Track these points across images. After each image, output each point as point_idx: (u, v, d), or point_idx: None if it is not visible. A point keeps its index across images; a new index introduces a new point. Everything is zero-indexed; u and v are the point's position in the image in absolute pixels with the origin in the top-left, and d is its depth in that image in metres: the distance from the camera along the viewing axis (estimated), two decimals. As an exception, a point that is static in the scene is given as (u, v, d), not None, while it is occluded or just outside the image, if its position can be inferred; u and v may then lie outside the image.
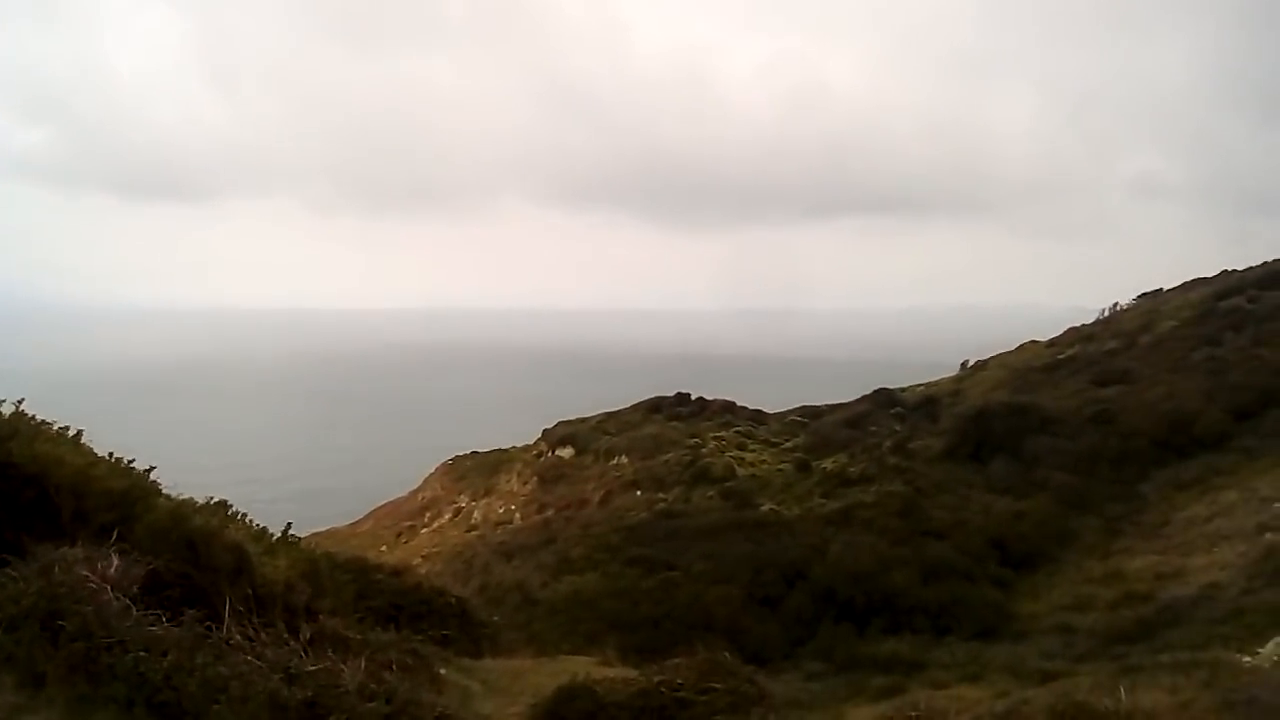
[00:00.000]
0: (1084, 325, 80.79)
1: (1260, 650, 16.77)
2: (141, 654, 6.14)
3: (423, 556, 52.16)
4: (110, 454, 9.23)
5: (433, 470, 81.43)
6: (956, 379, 77.22)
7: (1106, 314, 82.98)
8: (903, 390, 72.16)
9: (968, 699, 15.50)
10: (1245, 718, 8.24)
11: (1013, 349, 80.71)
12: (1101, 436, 48.01)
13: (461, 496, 70.92)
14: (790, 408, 73.53)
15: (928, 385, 76.17)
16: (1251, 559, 27.85)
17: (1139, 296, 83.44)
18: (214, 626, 6.96)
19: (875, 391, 69.14)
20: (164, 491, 9.11)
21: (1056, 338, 79.00)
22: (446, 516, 68.12)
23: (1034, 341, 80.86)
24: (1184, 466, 43.62)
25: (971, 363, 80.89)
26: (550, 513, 56.92)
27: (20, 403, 8.98)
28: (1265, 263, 74.87)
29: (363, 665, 6.79)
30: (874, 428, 60.52)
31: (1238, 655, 16.88)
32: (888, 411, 64.04)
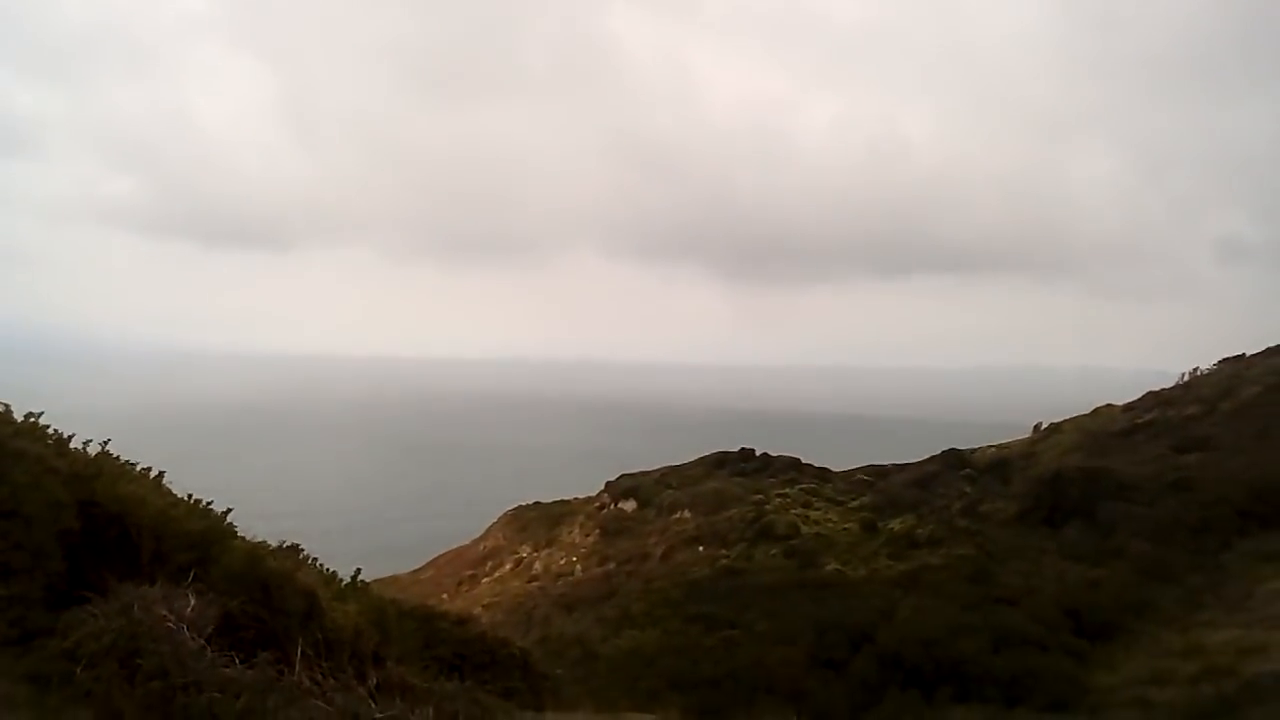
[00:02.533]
0: (1163, 390, 78.60)
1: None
2: (216, 695, 6.22)
3: (483, 606, 52.20)
4: (189, 495, 9.45)
5: (496, 519, 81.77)
6: (1029, 441, 75.56)
7: (1186, 378, 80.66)
8: (973, 451, 70.80)
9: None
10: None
11: (1088, 412, 78.81)
12: (1181, 504, 46.45)
13: (523, 547, 70.98)
14: (857, 466, 72.56)
15: (999, 447, 74.64)
16: (1343, 638, 26.60)
17: (1220, 361, 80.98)
18: (285, 670, 7.03)
19: (945, 452, 67.94)
20: (239, 534, 9.29)
21: (1134, 402, 76.97)
22: (508, 566, 68.19)
23: (1110, 405, 78.90)
24: (1268, 537, 41.92)
25: (1045, 425, 79.13)
26: (611, 566, 56.66)
27: (105, 444, 9.26)
28: (1356, 329, 72.29)
29: (430, 714, 6.80)
30: (943, 489, 59.40)
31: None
32: (957, 473, 62.83)
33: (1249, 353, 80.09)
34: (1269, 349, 77.94)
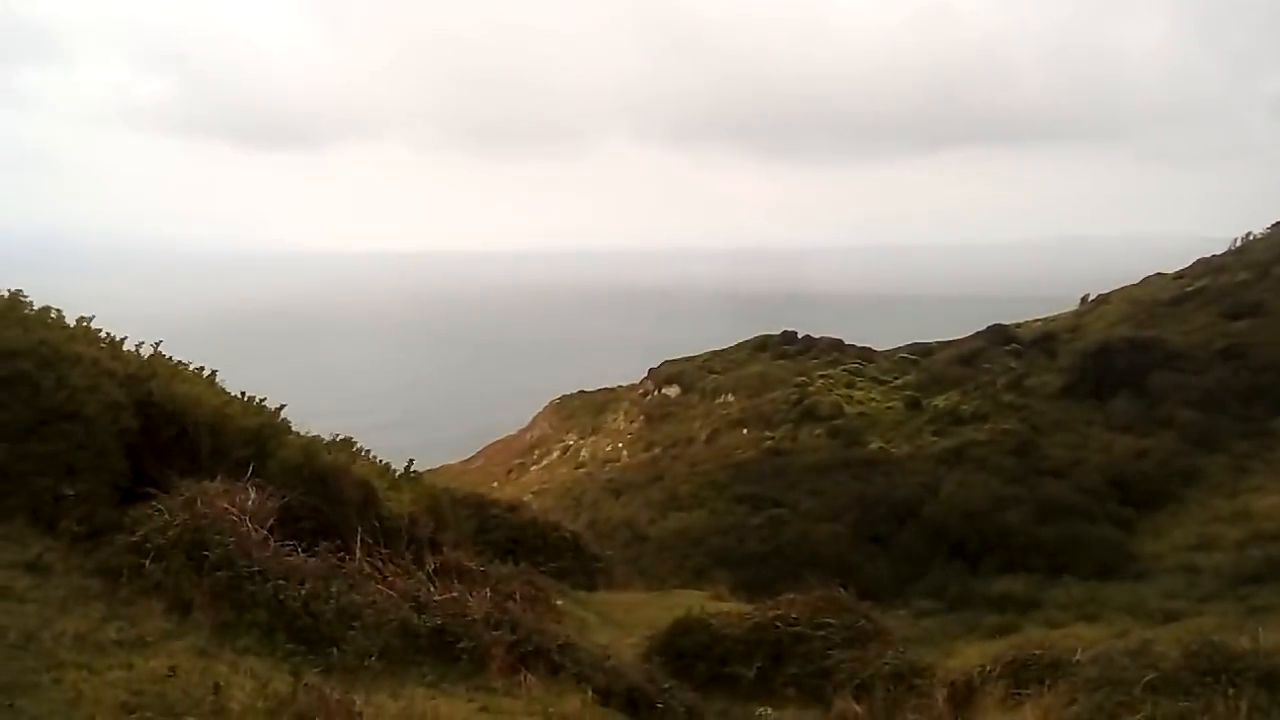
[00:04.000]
0: (1214, 256, 76.60)
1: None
2: (280, 582, 6.44)
3: (533, 493, 53.31)
4: (243, 393, 9.61)
5: (541, 409, 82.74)
6: (1076, 314, 74.38)
7: (1238, 244, 78.39)
8: (1018, 326, 69.93)
9: (1085, 638, 15.16)
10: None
11: (1136, 282, 77.14)
12: (1231, 372, 45.88)
13: (570, 435, 72.01)
14: (900, 345, 72.07)
15: (1045, 321, 73.63)
16: (1393, 499, 26.48)
17: (1274, 225, 78.54)
18: (345, 558, 7.25)
19: (989, 328, 67.14)
20: (293, 429, 9.46)
21: (1184, 270, 75.15)
22: (555, 454, 69.33)
23: (1159, 274, 77.12)
24: (1321, 403, 41.49)
25: (1092, 297, 77.71)
26: (657, 451, 57.36)
27: (158, 345, 9.39)
28: None
29: (488, 595, 7.00)
30: (988, 365, 58.90)
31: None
32: (1002, 348, 62.17)
33: (1304, 215, 77.54)
34: (1326, 210, 75.41)
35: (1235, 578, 24.38)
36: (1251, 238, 78.08)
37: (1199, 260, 76.23)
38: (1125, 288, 76.34)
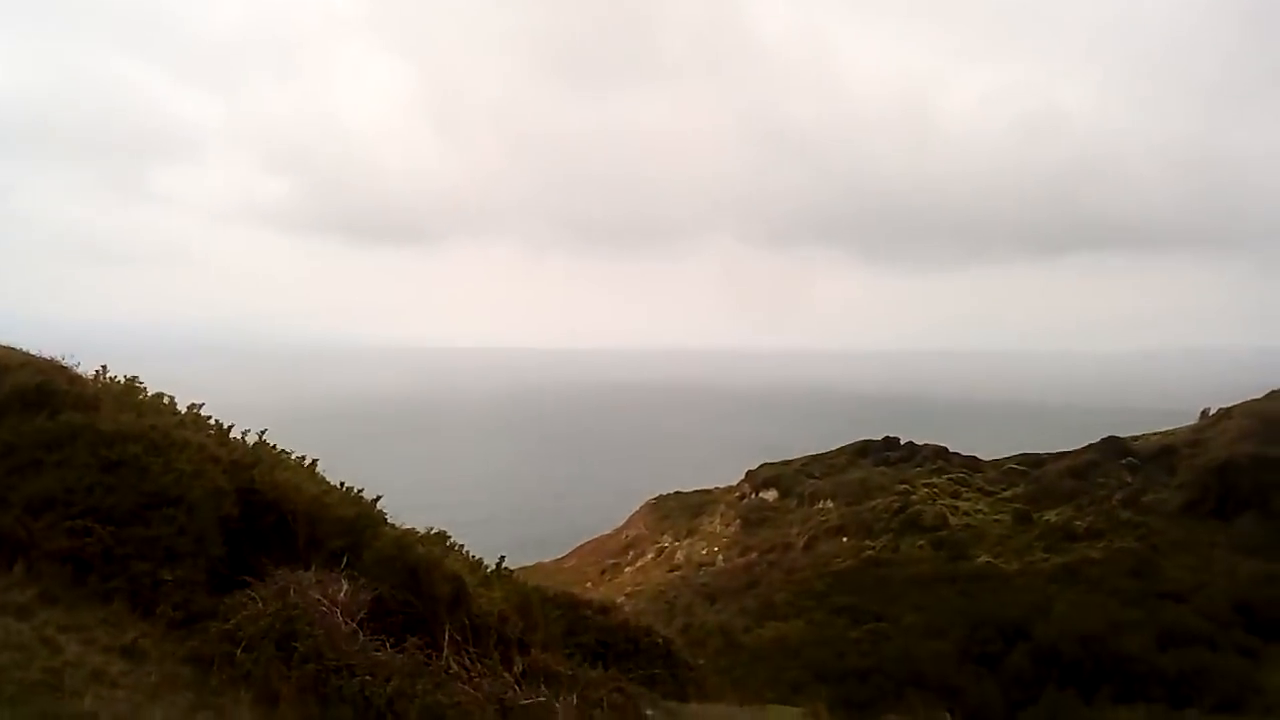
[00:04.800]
0: (1348, 371, 72.93)
1: None
2: (367, 678, 6.34)
3: (626, 595, 52.65)
4: (341, 483, 9.72)
5: (637, 509, 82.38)
6: (1196, 428, 71.20)
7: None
8: (1135, 439, 67.25)
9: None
10: None
11: (1261, 396, 73.71)
12: (1369, 493, 43.15)
13: (665, 536, 71.29)
14: (1008, 455, 69.91)
15: (1163, 434, 70.64)
16: None
17: None
18: (433, 654, 7.13)
19: (1104, 440, 64.71)
20: (388, 520, 9.50)
21: (1315, 383, 71.60)
22: (650, 555, 68.61)
23: (1286, 388, 73.60)
24: None
25: (1214, 410, 74.44)
26: (753, 556, 56.30)
27: (263, 433, 9.61)
28: None
29: (575, 701, 6.77)
30: (1102, 479, 56.62)
31: None
32: (1118, 462, 59.76)
33: None
34: None
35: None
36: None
37: (1328, 375, 72.56)
38: (1249, 402, 72.95)
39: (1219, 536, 43.87)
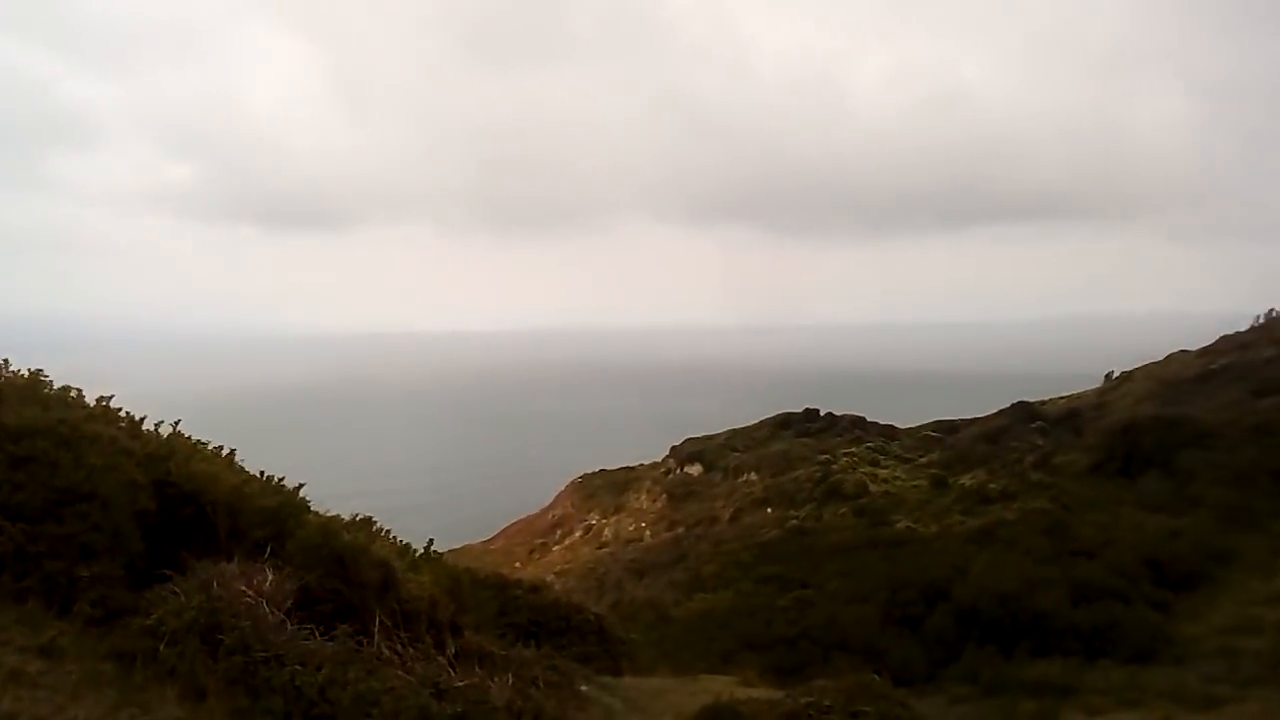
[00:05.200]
0: (1238, 332, 76.20)
1: None
2: (297, 668, 6.24)
3: (555, 574, 52.72)
4: (262, 473, 9.51)
5: (563, 488, 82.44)
6: (1100, 391, 73.89)
7: (1263, 320, 78.01)
8: (1043, 403, 69.47)
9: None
10: None
11: (1161, 359, 76.73)
12: (1262, 450, 45.09)
13: (592, 514, 71.51)
14: (924, 422, 71.64)
15: (1070, 398, 73.17)
16: None
17: (1299, 300, 78.24)
18: (364, 641, 7.05)
19: (1014, 405, 66.73)
20: (312, 509, 9.33)
21: (1208, 346, 74.71)
22: (577, 534, 68.78)
23: (1183, 351, 76.70)
24: (1357, 479, 40.59)
25: (1116, 374, 77.28)
26: (680, 530, 56.81)
27: (177, 424, 9.33)
28: None
29: (510, 681, 6.76)
30: (1014, 443, 58.36)
31: None
32: (1028, 425, 61.68)
33: (1330, 290, 77.26)
34: (1352, 285, 75.12)
35: (1277, 662, 23.55)
36: (1275, 314, 77.71)
37: (1223, 337, 75.83)
38: (1149, 365, 75.91)
39: (1126, 494, 45.48)
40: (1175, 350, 77.53)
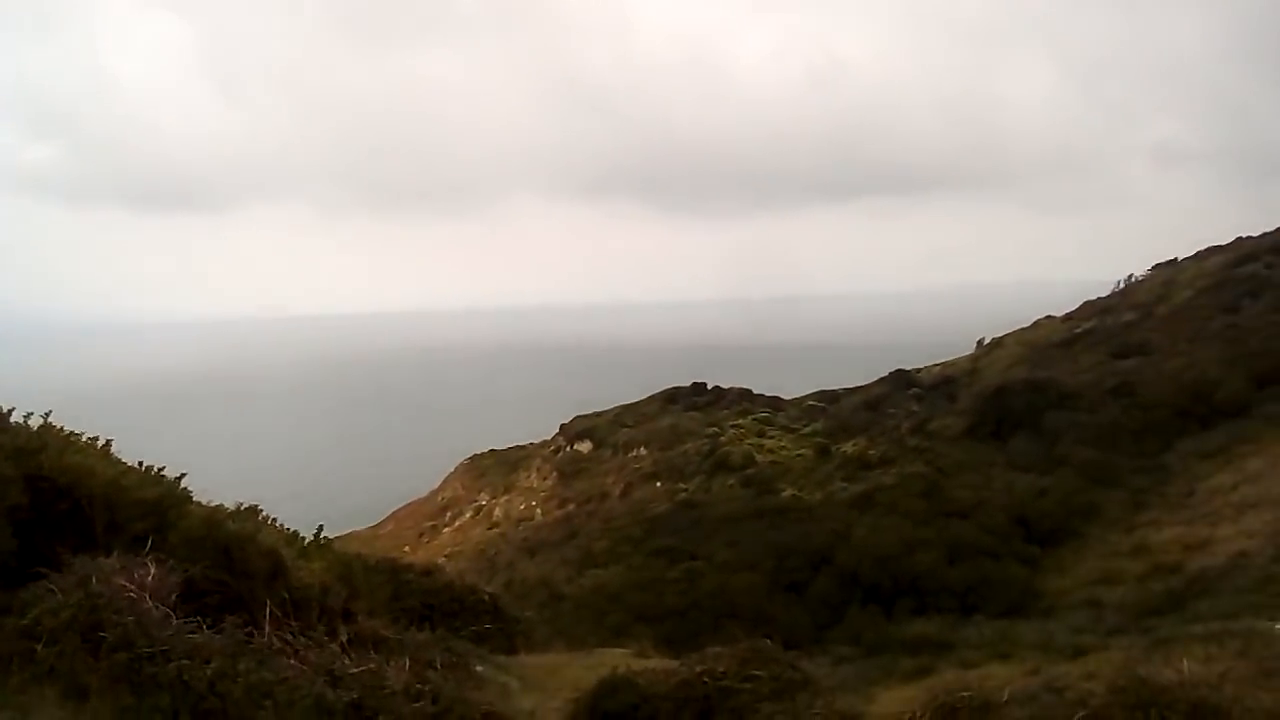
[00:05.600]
0: (1100, 298, 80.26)
1: (1293, 618, 16.63)
2: (185, 662, 6.09)
3: (446, 556, 52.34)
4: (140, 463, 9.20)
5: (452, 470, 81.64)
6: (973, 358, 76.90)
7: (1122, 286, 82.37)
8: (919, 371, 71.90)
9: (999, 677, 15.39)
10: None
11: (1028, 325, 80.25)
12: (1122, 409, 47.74)
13: (482, 495, 71.08)
14: (807, 393, 73.34)
15: (944, 365, 75.91)
16: (1279, 527, 27.67)
17: (1154, 267, 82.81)
18: (254, 632, 6.93)
19: (892, 373, 68.95)
20: (195, 499, 9.08)
21: (1072, 312, 78.54)
22: (468, 515, 68.29)
23: (1050, 317, 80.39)
24: (1207, 436, 43.31)
25: (987, 341, 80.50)
26: (571, 507, 56.99)
27: (47, 416, 8.95)
28: (1280, 228, 74.19)
29: (407, 665, 6.75)
30: (892, 410, 60.38)
31: (1270, 624, 16.73)
32: (905, 393, 63.85)
33: (1181, 257, 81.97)
34: (1201, 252, 79.82)
35: (1138, 610, 25.01)
36: (1134, 280, 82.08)
37: (1086, 303, 79.77)
38: (1018, 331, 79.34)
39: (997, 456, 47.52)
40: (1042, 316, 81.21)
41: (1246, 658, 13.73)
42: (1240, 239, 78.15)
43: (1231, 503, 33.62)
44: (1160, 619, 22.23)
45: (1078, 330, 69.37)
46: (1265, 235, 74.22)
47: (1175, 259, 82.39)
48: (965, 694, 6.06)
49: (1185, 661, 5.90)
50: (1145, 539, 33.92)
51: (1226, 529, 30.76)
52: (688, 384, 76.12)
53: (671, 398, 74.35)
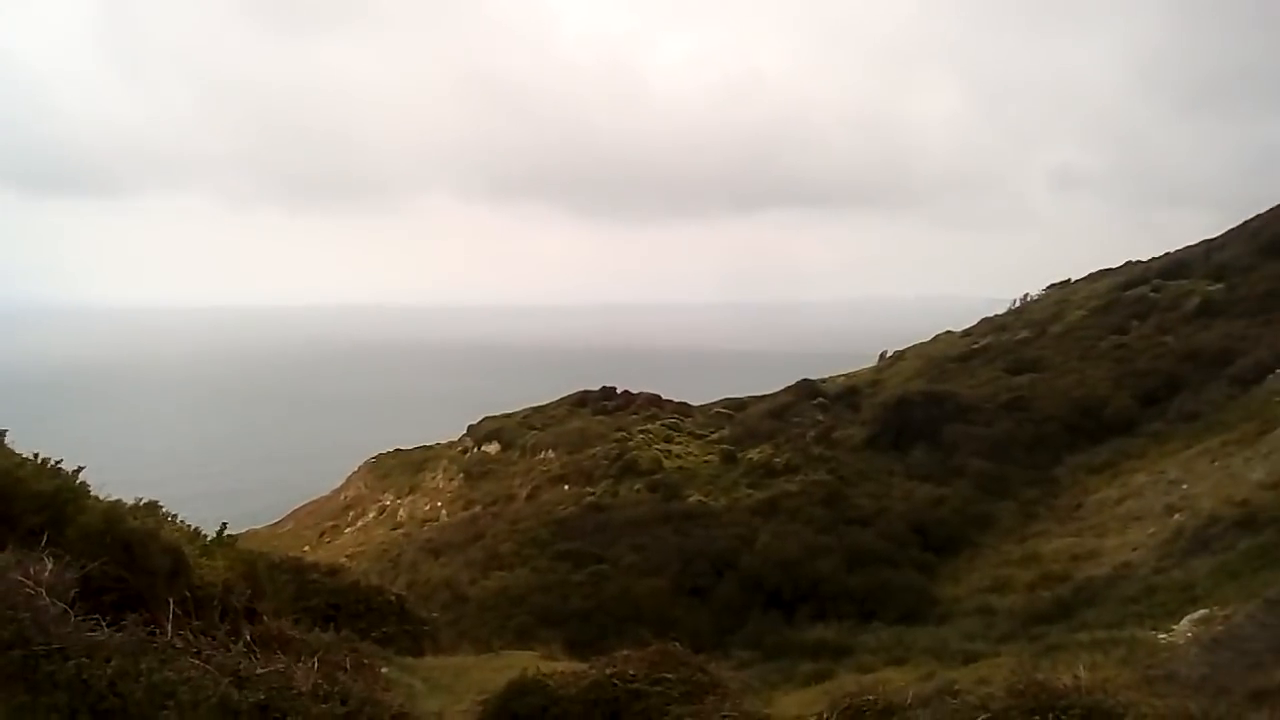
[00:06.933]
0: (997, 315, 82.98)
1: (1174, 627, 17.44)
2: (83, 660, 5.93)
3: (347, 556, 51.34)
4: (35, 455, 8.91)
5: (355, 469, 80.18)
6: (876, 369, 78.69)
7: (1018, 304, 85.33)
8: (824, 381, 73.22)
9: (895, 681, 15.84)
10: (1164, 692, 8.59)
11: (929, 339, 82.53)
12: (1016, 423, 49.46)
13: (386, 495, 69.96)
14: (716, 400, 74.08)
15: (849, 376, 77.47)
16: (1161, 539, 28.96)
17: (1049, 287, 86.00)
18: (155, 631, 6.77)
19: (798, 383, 70.03)
20: (93, 493, 8.83)
21: (971, 328, 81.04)
22: (371, 515, 67.15)
23: (949, 332, 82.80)
24: (1095, 451, 45.19)
25: (890, 353, 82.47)
26: (477, 509, 56.49)
27: (-64, 404, 8.62)
28: (1167, 253, 77.77)
29: (315, 666, 6.67)
30: (798, 418, 61.32)
31: (1152, 632, 17.53)
32: (811, 402, 64.92)
33: (1074, 278, 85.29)
34: (1092, 274, 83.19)
35: (1028, 618, 25.89)
36: (1030, 299, 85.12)
37: (984, 320, 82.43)
38: (919, 344, 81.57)
39: (897, 466, 48.78)
40: (942, 331, 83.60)
41: (1130, 665, 14.40)
42: (1130, 262, 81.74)
43: (1117, 515, 35.12)
44: (1049, 626, 23.06)
45: (975, 345, 71.58)
46: (1153, 260, 77.79)
47: (1069, 280, 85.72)
48: (869, 697, 6.26)
49: (1080, 667, 6.20)
50: (1035, 549, 35.20)
51: (1112, 540, 32.11)
52: (598, 388, 76.20)
53: (581, 401, 74.29)
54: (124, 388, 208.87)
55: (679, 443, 59.84)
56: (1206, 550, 24.82)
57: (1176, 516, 30.81)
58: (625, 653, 8.16)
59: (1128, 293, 68.05)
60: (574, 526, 45.43)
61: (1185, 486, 34.07)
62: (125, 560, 7.80)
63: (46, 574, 6.71)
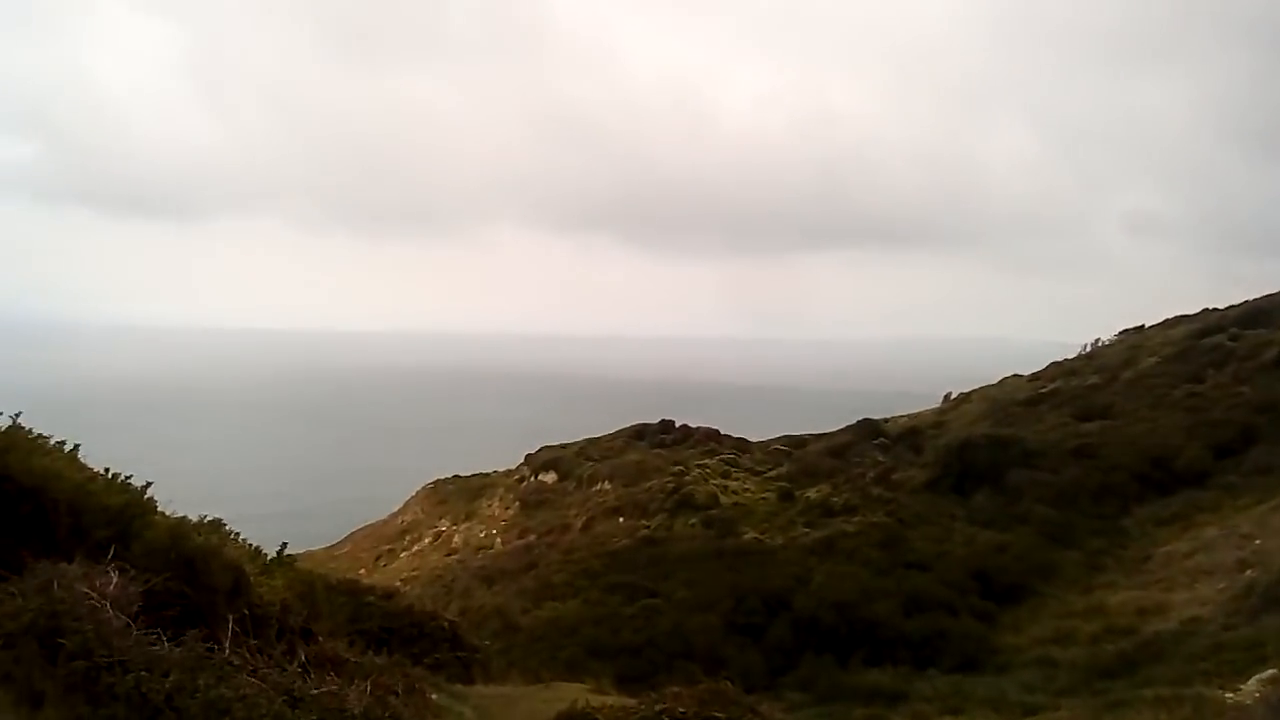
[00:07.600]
0: (1066, 360, 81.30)
1: (1241, 687, 16.82)
2: (143, 674, 6.05)
3: (402, 580, 51.77)
4: (106, 469, 9.14)
5: (414, 493, 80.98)
6: (939, 411, 77.48)
7: (1089, 349, 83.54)
8: (886, 421, 72.33)
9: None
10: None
11: (995, 382, 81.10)
12: (1083, 470, 48.24)
13: (442, 520, 70.49)
14: (774, 436, 73.56)
15: (911, 416, 76.40)
16: (1231, 595, 27.97)
17: (1121, 333, 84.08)
18: (214, 647, 6.90)
19: (859, 422, 69.26)
20: (160, 510, 9.03)
21: (1039, 372, 79.44)
22: (427, 540, 67.67)
23: (1016, 375, 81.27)
24: (1165, 502, 43.85)
25: (954, 395, 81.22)
26: (532, 538, 56.62)
27: (17, 417, 8.89)
28: (1246, 301, 75.59)
29: (368, 689, 6.74)
30: (857, 458, 60.61)
31: (1219, 691, 16.92)
32: (871, 442, 64.14)
33: (1148, 324, 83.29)
34: (1167, 320, 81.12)
35: (1090, 671, 25.16)
36: (1101, 344, 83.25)
37: (1052, 364, 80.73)
38: (984, 387, 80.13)
39: (958, 510, 47.82)
40: (1008, 374, 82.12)
41: (1195, 724, 13.91)
42: (1207, 310, 79.56)
43: (1186, 569, 33.98)
44: (1112, 681, 22.37)
45: (1043, 390, 70.14)
46: (1231, 308, 75.62)
47: (1142, 326, 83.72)
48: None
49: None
50: (1100, 600, 34.18)
51: (1180, 595, 31.07)
52: (656, 420, 76.17)
53: (639, 433, 74.31)
54: (191, 406, 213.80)
55: (736, 478, 59.50)
56: (1278, 608, 23.92)
57: (1248, 572, 29.74)
58: (675, 689, 8.11)
59: (1204, 340, 66.23)
60: (627, 559, 45.28)
61: (1258, 542, 32.89)
62: (188, 576, 7.96)
63: (111, 587, 6.87)
